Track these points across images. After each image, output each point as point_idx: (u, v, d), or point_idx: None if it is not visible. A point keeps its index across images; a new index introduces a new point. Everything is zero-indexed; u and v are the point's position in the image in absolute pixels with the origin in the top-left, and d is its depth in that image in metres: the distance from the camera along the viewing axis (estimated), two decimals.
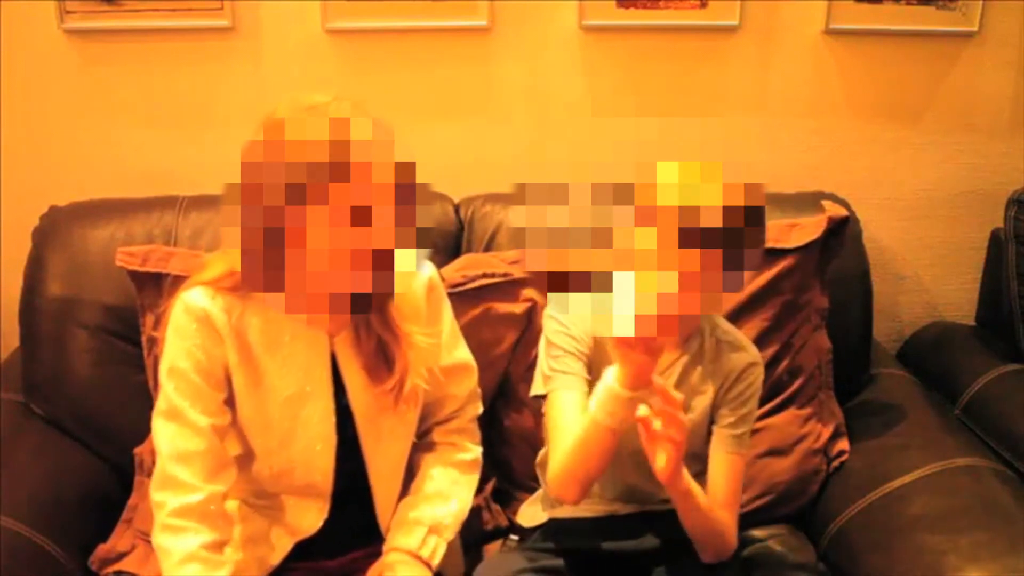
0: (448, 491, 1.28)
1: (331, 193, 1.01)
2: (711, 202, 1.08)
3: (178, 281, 1.23)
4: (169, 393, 1.16)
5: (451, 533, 1.25)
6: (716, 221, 1.07)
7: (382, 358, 1.20)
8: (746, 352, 1.32)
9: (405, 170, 1.05)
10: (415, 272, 1.21)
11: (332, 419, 1.21)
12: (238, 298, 1.17)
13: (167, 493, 1.14)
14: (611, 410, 1.15)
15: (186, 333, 1.16)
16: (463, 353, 1.34)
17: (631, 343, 1.10)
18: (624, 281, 1.10)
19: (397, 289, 1.13)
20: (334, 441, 1.21)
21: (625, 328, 1.11)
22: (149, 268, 1.49)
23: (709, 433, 1.31)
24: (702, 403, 1.30)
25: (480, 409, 1.38)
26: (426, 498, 1.26)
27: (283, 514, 1.25)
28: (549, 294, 1.33)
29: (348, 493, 1.24)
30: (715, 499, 1.26)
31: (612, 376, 1.15)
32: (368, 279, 1.05)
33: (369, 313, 1.19)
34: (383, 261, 1.05)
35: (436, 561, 1.21)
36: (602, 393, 1.16)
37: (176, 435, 1.15)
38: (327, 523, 1.24)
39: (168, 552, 1.12)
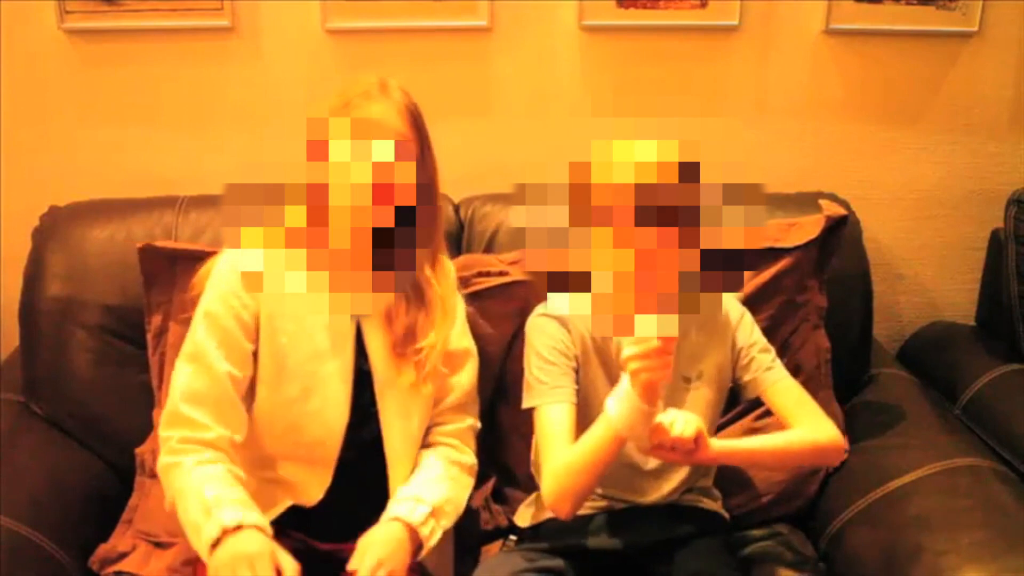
0: (449, 482, 1.28)
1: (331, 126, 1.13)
2: (643, 166, 1.11)
3: (193, 267, 1.30)
4: (198, 335, 1.19)
5: (448, 523, 1.25)
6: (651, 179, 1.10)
7: (411, 335, 1.24)
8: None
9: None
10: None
11: (350, 380, 1.23)
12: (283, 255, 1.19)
13: (175, 430, 1.16)
14: (632, 423, 1.16)
15: (225, 280, 1.21)
16: (468, 341, 1.37)
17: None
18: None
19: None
20: (348, 403, 1.23)
21: (604, 328, 1.13)
22: (179, 246, 1.51)
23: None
24: (708, 367, 1.34)
25: (478, 424, 1.39)
26: (428, 480, 1.26)
27: (284, 482, 1.26)
28: (548, 294, 1.34)
29: (361, 465, 1.24)
30: (796, 423, 1.30)
31: (632, 394, 1.15)
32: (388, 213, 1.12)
33: (393, 291, 1.22)
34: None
35: (430, 545, 1.21)
36: (626, 409, 1.16)
37: (193, 376, 1.18)
38: (328, 505, 1.24)
39: (178, 464, 1.14)
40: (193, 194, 1.65)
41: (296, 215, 1.13)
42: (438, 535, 1.23)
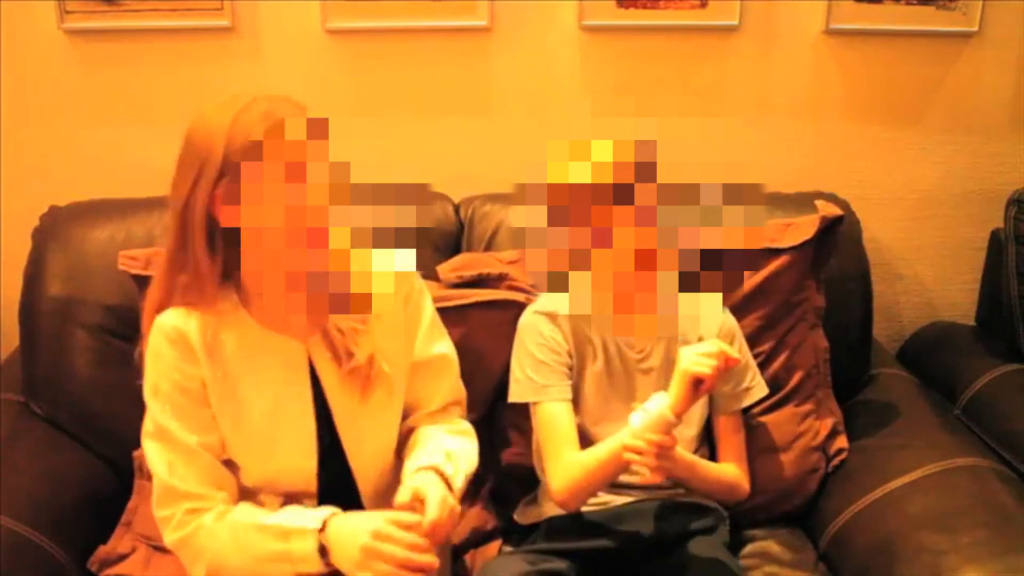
0: (451, 437, 1.27)
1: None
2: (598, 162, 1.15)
3: None
4: (156, 414, 1.16)
5: (467, 468, 1.23)
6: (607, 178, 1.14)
7: (346, 348, 1.20)
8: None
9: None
10: (391, 273, 1.23)
11: (312, 427, 1.21)
12: (213, 314, 1.17)
13: (174, 505, 1.15)
14: (654, 429, 1.19)
15: (162, 354, 1.16)
16: (443, 347, 1.33)
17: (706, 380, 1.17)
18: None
19: (377, 289, 1.15)
20: (315, 449, 1.21)
21: (605, 327, 1.15)
22: (152, 272, 1.48)
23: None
24: None
25: (469, 416, 1.38)
26: (429, 441, 1.25)
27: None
28: (546, 294, 1.36)
29: (336, 494, 1.24)
30: (722, 457, 1.38)
31: (664, 404, 1.19)
32: (323, 256, 1.08)
33: (348, 311, 1.19)
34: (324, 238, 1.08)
35: (457, 485, 1.18)
36: (653, 419, 1.19)
37: (168, 452, 1.16)
38: None
39: (198, 529, 1.13)
40: None
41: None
42: (461, 478, 1.20)
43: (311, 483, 1.22)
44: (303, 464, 1.21)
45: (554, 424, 1.33)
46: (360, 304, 1.16)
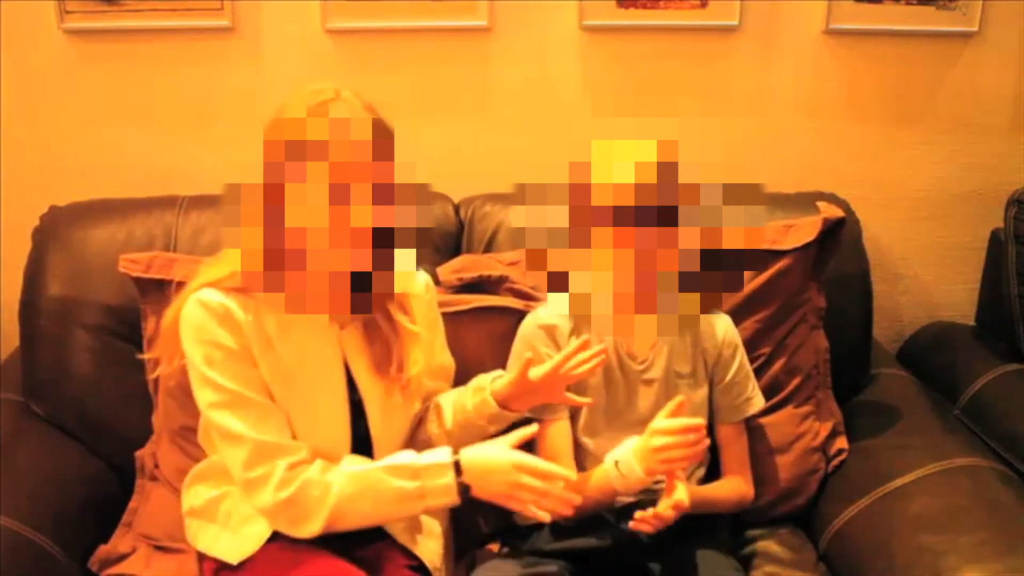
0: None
1: (308, 172, 1.07)
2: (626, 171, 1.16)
3: (181, 287, 1.25)
4: (220, 383, 1.15)
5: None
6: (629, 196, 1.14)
7: (388, 355, 1.23)
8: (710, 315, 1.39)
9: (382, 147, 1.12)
10: (413, 272, 1.25)
11: (346, 411, 1.23)
12: (248, 297, 1.18)
13: (267, 465, 1.14)
14: (630, 488, 1.25)
15: (208, 328, 1.16)
16: (448, 357, 1.40)
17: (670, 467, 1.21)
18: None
19: (397, 288, 1.15)
20: (348, 432, 1.23)
21: (605, 328, 1.18)
22: (152, 275, 1.48)
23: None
24: (696, 391, 1.37)
25: None
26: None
27: None
28: (547, 301, 1.35)
29: None
30: (725, 468, 1.39)
31: (636, 461, 1.21)
32: (354, 257, 1.09)
33: (370, 313, 1.20)
34: (364, 240, 1.09)
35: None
36: (619, 475, 1.23)
37: (248, 413, 1.15)
38: None
39: (307, 483, 1.14)
40: (193, 194, 1.65)
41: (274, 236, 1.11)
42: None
43: (345, 453, 1.24)
44: (336, 448, 1.22)
45: (550, 444, 1.34)
46: (381, 303, 1.21)
